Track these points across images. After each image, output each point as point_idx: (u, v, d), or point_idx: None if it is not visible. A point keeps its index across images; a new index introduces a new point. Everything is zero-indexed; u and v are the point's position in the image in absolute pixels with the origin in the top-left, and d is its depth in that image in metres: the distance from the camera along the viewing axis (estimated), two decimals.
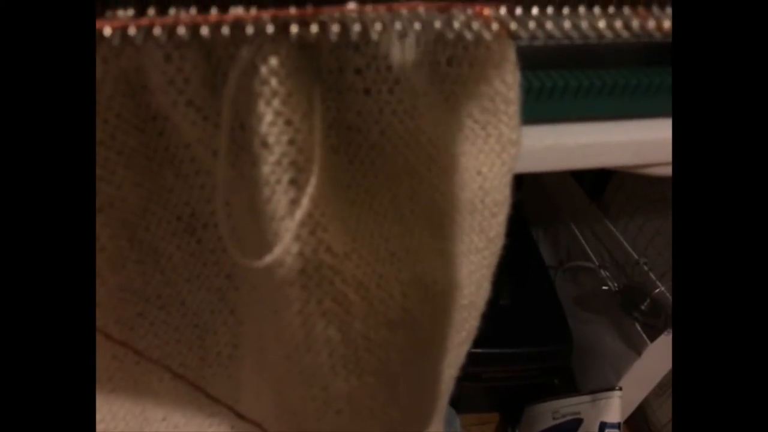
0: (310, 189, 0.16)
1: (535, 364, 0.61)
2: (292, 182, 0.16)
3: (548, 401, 0.61)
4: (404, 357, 0.18)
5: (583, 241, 0.69)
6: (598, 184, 0.63)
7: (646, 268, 0.57)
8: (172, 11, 0.15)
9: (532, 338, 0.59)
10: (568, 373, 0.68)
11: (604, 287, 0.65)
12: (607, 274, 0.66)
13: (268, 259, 0.16)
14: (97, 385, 0.21)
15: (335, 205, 0.17)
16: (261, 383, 0.21)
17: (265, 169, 0.16)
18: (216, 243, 0.20)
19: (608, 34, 0.16)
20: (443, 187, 0.19)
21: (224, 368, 0.22)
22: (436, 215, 0.20)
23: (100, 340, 0.20)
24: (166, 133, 0.18)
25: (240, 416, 0.20)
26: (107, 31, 0.14)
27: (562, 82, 0.23)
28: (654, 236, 0.56)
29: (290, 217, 0.16)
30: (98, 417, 0.22)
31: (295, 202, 0.16)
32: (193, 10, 0.15)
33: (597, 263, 0.67)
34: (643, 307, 0.58)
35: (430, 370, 0.21)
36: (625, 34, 0.16)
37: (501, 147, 0.19)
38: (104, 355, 0.21)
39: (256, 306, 0.20)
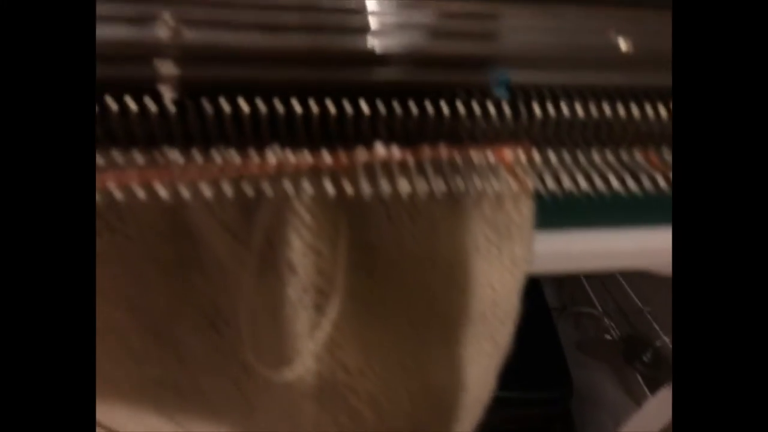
0: (331, 314, 0.17)
1: (535, 409, 0.61)
2: (316, 306, 0.17)
3: None
4: None
5: (587, 287, 0.69)
6: None
7: (650, 317, 0.57)
8: (215, 154, 0.16)
9: (532, 382, 0.59)
10: (567, 419, 0.68)
11: (607, 336, 0.65)
12: (611, 322, 0.66)
13: (289, 375, 0.17)
14: None
15: (353, 322, 0.18)
16: None
17: (291, 292, 0.17)
18: (235, 337, 0.21)
19: (619, 189, 0.17)
20: (458, 301, 0.20)
21: None
22: (449, 325, 0.21)
23: None
24: (198, 245, 0.19)
25: None
26: (160, 191, 0.15)
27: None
28: (660, 285, 0.56)
29: (311, 337, 0.17)
30: None
31: (316, 326, 0.17)
32: (233, 153, 0.16)
33: (600, 310, 0.67)
34: (645, 359, 0.58)
35: None
36: (634, 188, 0.17)
37: (513, 264, 0.20)
38: None
39: (269, 404, 0.21)
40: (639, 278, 0.64)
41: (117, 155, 0.16)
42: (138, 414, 0.21)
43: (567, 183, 0.17)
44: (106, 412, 0.20)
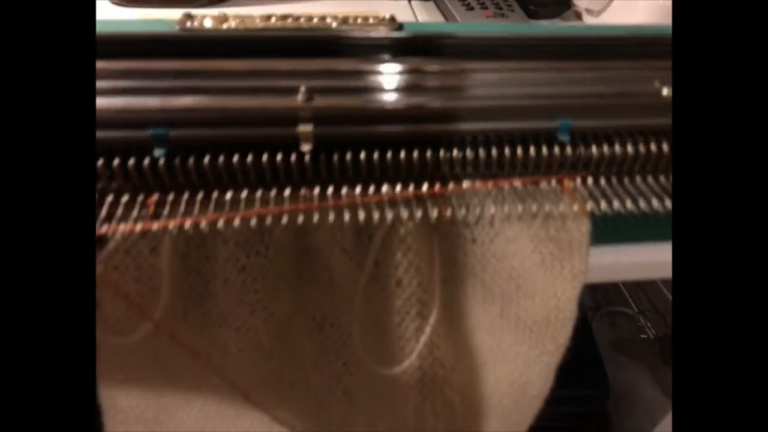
0: (432, 320, 0.21)
1: (571, 407, 0.62)
2: (418, 314, 0.21)
3: None
4: None
5: (622, 287, 0.71)
6: None
7: None
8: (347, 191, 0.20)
9: (568, 381, 0.61)
10: (603, 417, 0.69)
11: (643, 335, 0.67)
12: (647, 322, 0.67)
13: (397, 370, 0.22)
14: None
15: (446, 327, 0.22)
16: None
17: (398, 303, 0.21)
18: (338, 337, 0.26)
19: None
20: (527, 307, 0.24)
21: None
22: (519, 327, 0.24)
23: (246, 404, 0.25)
24: (317, 264, 0.23)
25: None
26: (300, 218, 0.20)
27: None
28: None
29: (415, 339, 0.21)
30: None
31: (419, 329, 0.21)
32: (358, 188, 0.21)
33: (636, 309, 0.69)
34: None
35: None
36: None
37: (573, 276, 0.24)
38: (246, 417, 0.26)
39: (370, 395, 0.25)
40: None
41: (266, 194, 0.20)
42: (260, 404, 0.26)
43: (616, 204, 0.21)
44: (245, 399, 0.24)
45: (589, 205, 0.21)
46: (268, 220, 0.19)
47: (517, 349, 0.25)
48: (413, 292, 0.21)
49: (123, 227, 0.18)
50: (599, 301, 0.77)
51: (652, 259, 0.29)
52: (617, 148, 0.22)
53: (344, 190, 0.21)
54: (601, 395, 0.63)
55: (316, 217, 0.20)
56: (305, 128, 0.20)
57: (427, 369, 0.22)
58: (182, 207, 0.20)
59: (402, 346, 0.21)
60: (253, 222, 0.19)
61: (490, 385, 0.23)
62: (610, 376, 0.64)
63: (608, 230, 0.28)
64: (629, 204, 0.21)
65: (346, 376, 0.26)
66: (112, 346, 0.21)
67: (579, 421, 0.66)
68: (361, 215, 0.20)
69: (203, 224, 0.19)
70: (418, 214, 0.20)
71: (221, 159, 0.20)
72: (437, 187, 0.21)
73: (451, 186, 0.21)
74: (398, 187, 0.21)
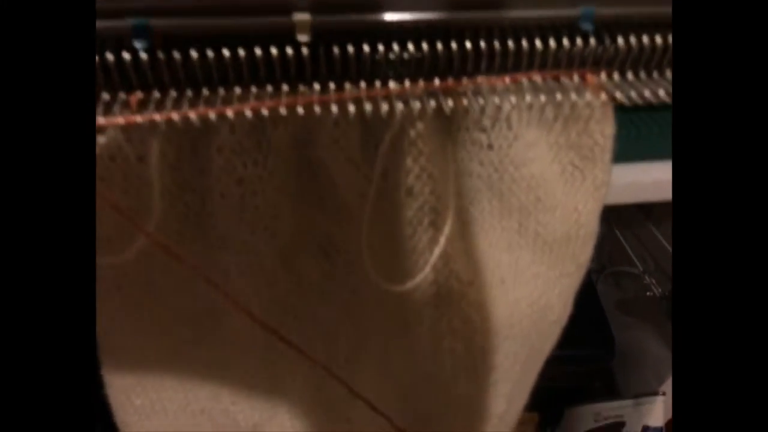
0: (446, 230, 0.20)
1: (576, 366, 0.62)
2: (432, 224, 0.20)
3: (590, 404, 0.62)
4: (514, 363, 0.22)
5: (626, 246, 0.70)
6: None
7: None
8: (347, 86, 0.19)
9: (574, 341, 0.61)
10: (609, 376, 0.69)
11: (648, 293, 0.66)
12: (652, 280, 0.67)
13: (410, 284, 0.20)
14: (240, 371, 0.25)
15: (460, 241, 0.21)
16: (384, 385, 0.24)
17: (409, 213, 0.20)
18: (346, 266, 0.24)
19: None
20: (546, 221, 0.22)
21: (345, 371, 0.26)
22: (538, 245, 0.23)
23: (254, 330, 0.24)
24: (318, 177, 0.22)
25: (374, 408, 0.23)
26: (300, 110, 0.18)
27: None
28: None
29: (429, 251, 0.20)
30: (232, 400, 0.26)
31: (433, 240, 0.20)
32: (362, 84, 0.19)
33: (641, 269, 0.68)
34: None
35: (532, 374, 0.25)
36: None
37: (595, 188, 0.23)
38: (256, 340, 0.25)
39: (382, 320, 0.24)
40: None
41: (261, 91, 0.19)
42: (265, 334, 0.24)
43: (648, 94, 0.19)
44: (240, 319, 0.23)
45: (618, 95, 0.20)
46: (264, 111, 0.17)
47: (535, 268, 0.23)
48: (426, 200, 0.20)
49: (103, 120, 0.17)
50: (604, 262, 0.76)
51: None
52: (645, 39, 0.20)
53: (347, 87, 0.19)
54: (606, 354, 0.62)
55: (318, 110, 0.18)
56: (302, 17, 0.18)
57: (443, 283, 0.20)
58: (169, 106, 0.18)
59: (415, 260, 0.20)
60: (248, 113, 0.17)
61: (509, 304, 0.22)
62: (615, 336, 0.63)
63: (630, 146, 0.26)
64: (662, 93, 0.19)
65: (356, 307, 0.25)
66: (105, 267, 0.20)
67: (584, 380, 0.66)
68: (368, 108, 0.18)
69: (193, 116, 0.17)
70: (431, 105, 0.18)
71: (210, 53, 0.18)
72: (450, 81, 0.19)
73: (465, 80, 0.19)
74: (407, 83, 0.19)
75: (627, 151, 0.26)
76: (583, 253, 0.24)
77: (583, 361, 0.63)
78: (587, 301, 0.66)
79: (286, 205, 0.22)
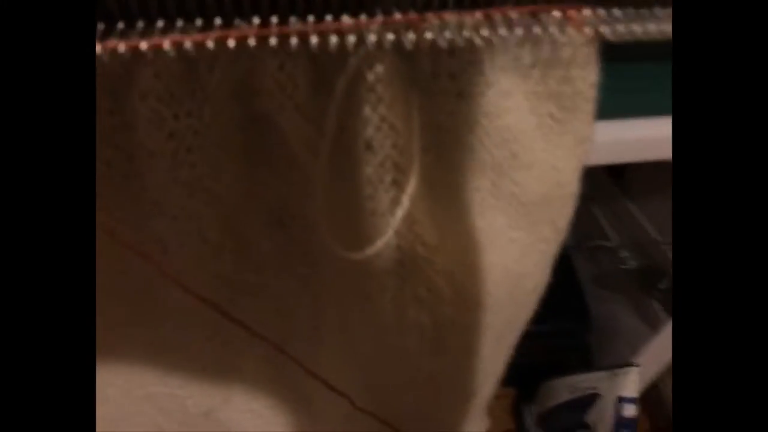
0: (410, 189, 0.17)
1: (552, 341, 0.62)
2: (394, 182, 0.17)
3: (565, 377, 0.63)
4: (487, 337, 0.20)
5: (602, 221, 0.70)
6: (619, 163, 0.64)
7: (664, 247, 0.58)
8: (293, 21, 0.16)
9: (550, 316, 0.61)
10: (584, 350, 0.70)
11: (623, 266, 0.66)
12: (626, 253, 0.66)
13: (370, 251, 0.18)
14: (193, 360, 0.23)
15: (427, 200, 0.18)
16: (345, 362, 0.22)
17: (368, 170, 0.17)
18: (303, 234, 0.22)
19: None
20: (522, 181, 0.20)
21: (305, 346, 0.23)
22: (513, 207, 0.21)
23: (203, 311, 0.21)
24: (265, 133, 0.19)
25: (332, 388, 0.21)
26: (231, 43, 0.15)
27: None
28: None
29: (391, 213, 0.17)
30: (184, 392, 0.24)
31: (395, 201, 0.17)
32: (310, 18, 0.16)
33: (616, 242, 0.68)
34: (661, 286, 0.59)
35: (506, 348, 0.23)
36: None
37: (576, 143, 0.20)
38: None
39: (342, 292, 0.22)
40: (653, 210, 0.64)
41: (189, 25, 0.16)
42: (210, 312, 0.22)
43: (636, 28, 0.17)
44: (177, 298, 0.20)
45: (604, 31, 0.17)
46: (188, 45, 0.15)
47: (511, 234, 0.21)
48: (387, 155, 0.17)
49: None
50: (579, 238, 0.76)
51: (660, 135, 0.25)
52: None
53: (291, 21, 0.16)
54: (582, 328, 0.62)
55: (253, 43, 0.15)
56: None
57: (407, 248, 0.18)
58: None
59: (375, 223, 0.18)
60: (167, 46, 0.14)
61: (482, 271, 0.20)
62: (592, 310, 0.63)
63: (611, 101, 0.25)
64: (652, 28, 0.17)
65: (313, 278, 0.23)
66: None
67: (560, 354, 0.66)
68: (314, 41, 0.15)
69: (100, 50, 0.14)
70: (389, 39, 0.16)
71: None
72: (413, 15, 0.16)
73: (429, 16, 0.17)
74: (362, 17, 0.16)
75: (605, 106, 0.24)
76: (562, 217, 0.22)
77: (560, 335, 0.63)
78: (563, 276, 0.65)
79: (229, 164, 0.19)
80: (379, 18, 0.16)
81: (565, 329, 0.63)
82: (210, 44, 0.15)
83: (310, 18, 0.16)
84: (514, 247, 0.21)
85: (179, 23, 0.16)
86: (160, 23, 0.16)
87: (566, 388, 0.65)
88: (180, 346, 0.22)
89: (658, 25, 0.17)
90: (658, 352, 0.63)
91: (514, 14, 0.17)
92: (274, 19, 0.16)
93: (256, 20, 0.16)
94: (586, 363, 0.71)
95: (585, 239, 0.75)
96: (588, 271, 0.74)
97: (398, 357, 0.20)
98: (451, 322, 0.19)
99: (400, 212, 0.17)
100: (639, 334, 0.63)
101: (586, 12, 0.17)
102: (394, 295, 0.18)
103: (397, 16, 0.16)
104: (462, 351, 0.20)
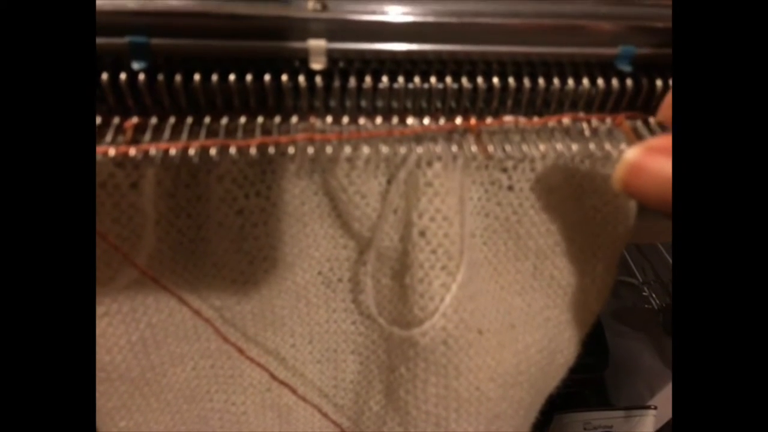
0: (459, 276, 0.18)
1: (569, 373, 0.62)
2: (444, 269, 0.18)
3: (580, 412, 0.63)
4: (519, 408, 0.21)
5: (627, 256, 0.69)
6: None
7: None
8: (365, 123, 0.17)
9: None
10: (600, 385, 0.69)
11: (647, 305, 0.66)
12: (651, 292, 0.66)
13: (416, 332, 0.19)
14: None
15: (471, 285, 0.20)
16: (384, 414, 0.24)
17: (421, 256, 0.18)
18: (346, 294, 0.23)
19: None
20: (563, 266, 0.21)
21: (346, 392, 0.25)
22: (552, 288, 0.22)
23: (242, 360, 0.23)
24: (322, 207, 0.20)
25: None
26: (310, 150, 0.16)
27: None
28: None
29: (439, 297, 0.19)
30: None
31: (444, 286, 0.18)
32: (378, 120, 0.17)
33: (640, 279, 0.67)
34: None
35: (534, 413, 0.24)
36: None
37: (617, 235, 0.21)
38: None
39: (382, 352, 0.23)
40: None
41: (269, 122, 0.17)
42: (262, 374, 0.23)
43: None
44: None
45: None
46: (272, 150, 0.16)
47: (548, 312, 0.22)
48: (439, 243, 0.18)
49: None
50: None
51: None
52: None
53: (362, 122, 0.17)
54: (600, 363, 0.62)
55: (330, 150, 0.16)
56: (317, 43, 0.16)
57: (452, 330, 0.19)
58: (167, 134, 0.16)
59: (423, 305, 0.19)
60: (253, 151, 0.16)
61: (518, 351, 0.21)
62: (610, 344, 0.63)
63: None
64: None
65: (356, 336, 0.24)
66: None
67: (576, 387, 0.66)
68: (384, 150, 0.17)
69: (192, 151, 0.15)
70: (452, 150, 0.17)
71: (214, 77, 0.16)
72: (473, 120, 0.18)
73: (489, 120, 0.18)
74: (426, 120, 0.18)
75: None
76: (597, 302, 0.23)
77: (577, 369, 0.63)
78: None
79: (287, 234, 0.20)
80: (442, 122, 0.17)
81: (581, 363, 0.63)
82: (291, 150, 0.16)
83: (378, 119, 0.17)
84: (550, 325, 0.22)
85: (259, 120, 0.17)
86: (242, 120, 0.17)
87: (581, 423, 0.65)
88: (230, 399, 0.24)
89: None
90: None
91: (567, 120, 0.18)
92: (345, 119, 0.17)
93: (329, 119, 0.17)
94: (602, 398, 0.71)
95: None
96: (610, 305, 0.73)
97: (435, 424, 0.21)
98: (486, 398, 0.20)
99: (448, 297, 0.19)
100: (658, 375, 0.62)
101: (638, 124, 0.18)
102: (436, 371, 0.20)
103: (459, 120, 0.17)
104: (494, 423, 0.21)
